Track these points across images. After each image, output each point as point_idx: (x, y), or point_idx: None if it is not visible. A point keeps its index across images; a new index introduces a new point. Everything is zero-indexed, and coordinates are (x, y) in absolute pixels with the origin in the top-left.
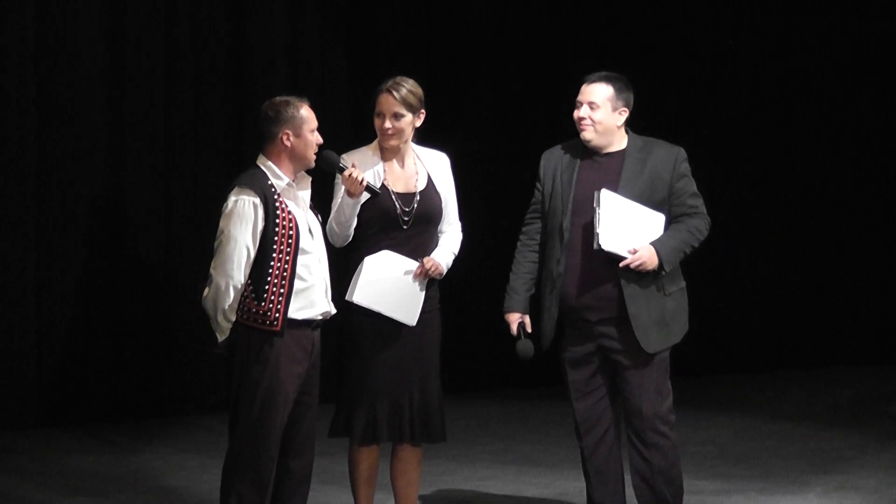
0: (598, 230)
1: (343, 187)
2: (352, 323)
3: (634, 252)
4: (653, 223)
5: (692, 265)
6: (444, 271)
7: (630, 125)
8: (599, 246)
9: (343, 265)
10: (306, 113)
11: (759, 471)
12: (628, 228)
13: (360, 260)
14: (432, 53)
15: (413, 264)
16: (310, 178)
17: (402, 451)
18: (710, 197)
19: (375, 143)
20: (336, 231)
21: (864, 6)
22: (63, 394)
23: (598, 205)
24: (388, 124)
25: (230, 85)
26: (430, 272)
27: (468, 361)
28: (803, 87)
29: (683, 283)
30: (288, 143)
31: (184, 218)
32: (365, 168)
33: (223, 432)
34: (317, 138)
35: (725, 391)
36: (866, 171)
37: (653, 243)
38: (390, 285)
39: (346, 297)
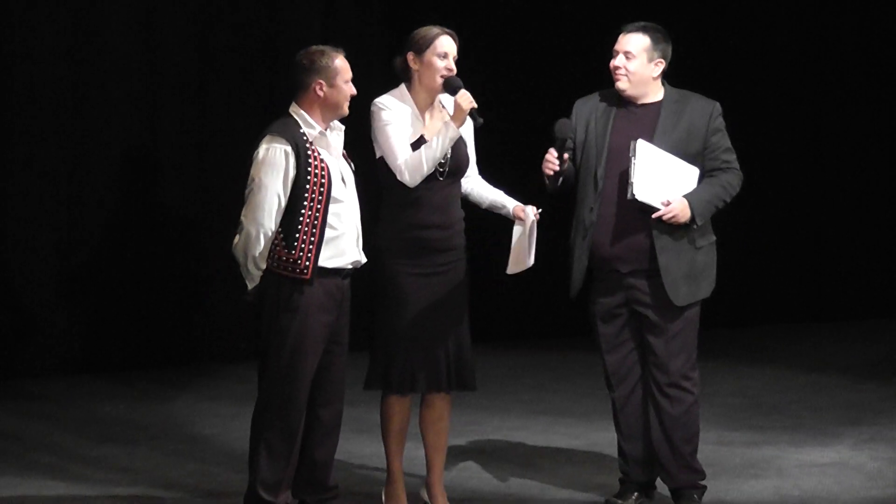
0: (632, 180)
1: (438, 127)
2: (384, 273)
3: (668, 204)
4: (687, 175)
5: (726, 217)
6: None
7: (667, 78)
8: (633, 196)
9: (373, 215)
10: (340, 63)
11: (790, 422)
12: (662, 180)
13: (392, 210)
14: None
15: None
16: (343, 128)
17: (433, 400)
18: (744, 149)
19: (402, 88)
20: (424, 168)
21: None
22: (93, 341)
23: (634, 155)
24: (452, 65)
25: (264, 35)
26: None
27: (498, 311)
28: (839, 59)
29: (714, 238)
30: (321, 93)
31: (215, 167)
32: (403, 115)
33: (253, 380)
34: (350, 89)
35: (756, 343)
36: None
37: (686, 196)
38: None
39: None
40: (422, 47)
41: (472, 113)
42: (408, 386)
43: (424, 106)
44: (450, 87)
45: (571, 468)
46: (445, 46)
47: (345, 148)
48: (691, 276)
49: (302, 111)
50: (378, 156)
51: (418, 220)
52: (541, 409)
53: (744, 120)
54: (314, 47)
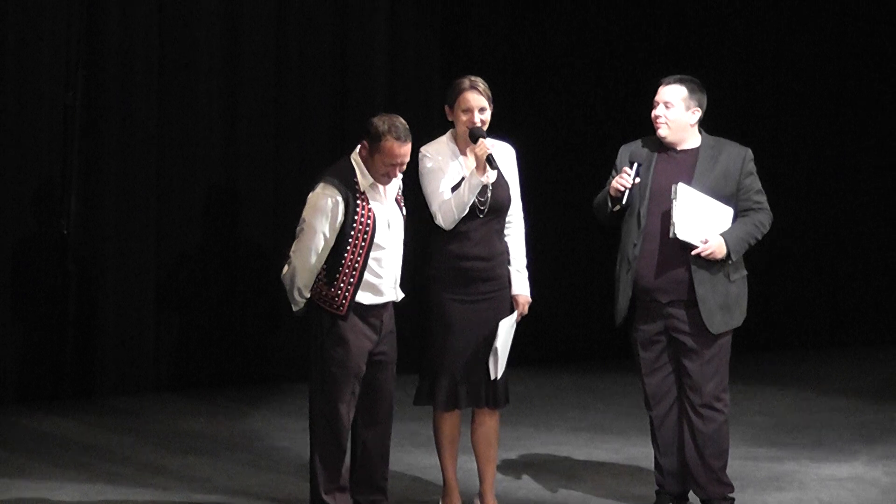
0: (674, 220)
1: (470, 173)
2: (432, 300)
3: (706, 242)
4: (723, 215)
5: (755, 251)
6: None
7: (703, 125)
8: (675, 234)
9: (419, 250)
10: (390, 146)
11: (811, 440)
12: (701, 219)
13: (439, 244)
14: (516, 61)
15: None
16: (399, 175)
17: (480, 416)
18: (771, 188)
19: (450, 135)
20: (455, 215)
21: None
22: (178, 361)
23: (675, 197)
24: (477, 118)
25: (334, 86)
26: (524, 312)
27: (546, 335)
28: (853, 94)
29: (745, 272)
30: (363, 154)
31: (289, 203)
32: (446, 158)
33: None
34: (388, 172)
35: (782, 367)
36: None
37: (722, 234)
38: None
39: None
40: (451, 101)
41: (489, 159)
42: (452, 402)
43: (464, 149)
44: (473, 138)
45: (612, 480)
46: (469, 101)
47: (400, 193)
48: (725, 306)
49: (360, 159)
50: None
51: (462, 253)
52: (583, 426)
53: (771, 159)
54: (392, 118)
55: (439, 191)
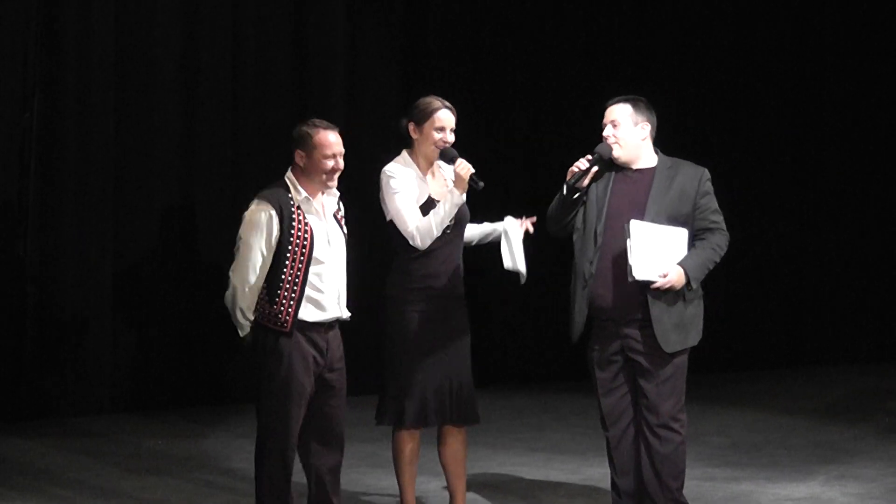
0: (630, 262)
1: (440, 188)
2: (396, 319)
3: (665, 276)
4: (678, 240)
5: (710, 275)
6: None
7: (661, 146)
8: (633, 278)
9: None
10: (321, 138)
11: (768, 460)
12: (657, 252)
13: (402, 263)
14: (477, 73)
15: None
16: (337, 193)
17: (449, 434)
18: (730, 209)
19: (408, 154)
20: (434, 232)
21: None
22: (136, 382)
23: (629, 236)
24: (450, 137)
25: (292, 98)
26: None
27: (503, 357)
28: (807, 105)
29: (702, 292)
30: (301, 163)
31: None
32: (411, 178)
33: None
34: (330, 164)
35: (739, 387)
36: (865, 180)
37: (681, 263)
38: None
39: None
40: (421, 119)
41: (472, 178)
42: (421, 420)
43: (425, 169)
44: (446, 158)
45: (568, 501)
46: (444, 121)
47: (340, 212)
48: (681, 325)
49: (293, 177)
50: (388, 219)
51: (429, 272)
52: (540, 446)
53: (725, 180)
54: (310, 120)
55: (412, 211)
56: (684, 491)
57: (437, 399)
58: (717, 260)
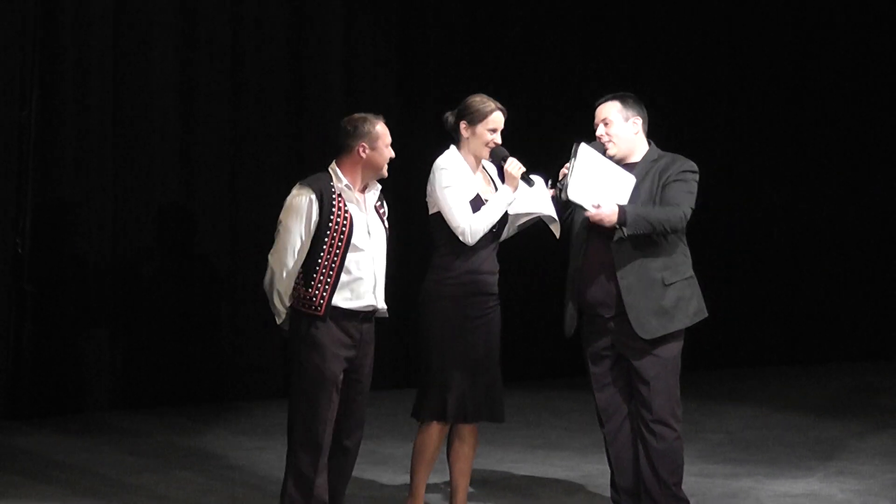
0: (568, 181)
1: (503, 191)
2: (439, 315)
3: (598, 207)
4: (623, 182)
5: (708, 274)
6: None
7: (656, 142)
8: (566, 197)
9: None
10: (381, 129)
11: (766, 456)
12: (598, 184)
13: (447, 260)
14: (474, 73)
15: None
16: (379, 187)
17: (464, 432)
18: (727, 207)
19: (454, 150)
20: (483, 229)
21: None
22: (133, 380)
23: (575, 156)
24: (498, 138)
25: (290, 98)
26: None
27: (502, 352)
28: (803, 99)
29: (689, 274)
30: (363, 155)
31: (246, 218)
32: (463, 174)
33: (277, 416)
34: (390, 152)
35: (737, 383)
36: (860, 180)
37: (620, 204)
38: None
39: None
40: (475, 119)
41: (523, 177)
42: (461, 416)
43: (474, 167)
44: (497, 157)
45: (567, 497)
46: (497, 122)
47: (383, 206)
48: (661, 311)
49: (338, 169)
50: (433, 211)
51: (474, 268)
52: (539, 443)
53: (723, 175)
54: (358, 114)
55: (463, 207)
56: (683, 486)
57: (474, 395)
58: (661, 226)
